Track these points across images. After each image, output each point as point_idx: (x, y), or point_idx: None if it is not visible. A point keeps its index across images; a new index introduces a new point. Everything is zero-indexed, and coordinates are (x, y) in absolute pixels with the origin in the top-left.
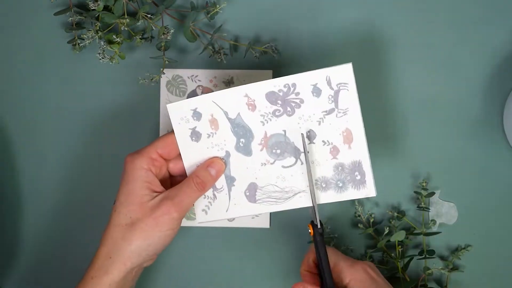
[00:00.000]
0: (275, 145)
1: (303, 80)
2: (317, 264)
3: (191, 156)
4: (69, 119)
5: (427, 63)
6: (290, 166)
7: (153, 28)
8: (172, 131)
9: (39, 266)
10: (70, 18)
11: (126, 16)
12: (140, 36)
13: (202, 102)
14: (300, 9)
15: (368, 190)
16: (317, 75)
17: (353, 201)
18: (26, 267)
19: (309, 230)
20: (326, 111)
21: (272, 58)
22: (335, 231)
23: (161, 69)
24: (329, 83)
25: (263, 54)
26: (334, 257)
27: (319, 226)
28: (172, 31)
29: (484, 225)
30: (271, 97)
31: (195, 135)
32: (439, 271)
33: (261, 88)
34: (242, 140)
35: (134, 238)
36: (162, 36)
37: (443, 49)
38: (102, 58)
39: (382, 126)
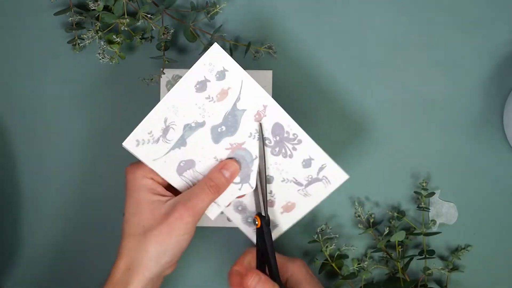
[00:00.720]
0: (238, 158)
1: (307, 145)
2: (261, 257)
3: (175, 98)
4: (69, 119)
5: (427, 63)
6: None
7: (153, 28)
8: None
9: (39, 266)
10: (70, 18)
11: (126, 16)
12: (140, 36)
13: (234, 72)
14: (300, 9)
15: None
16: (320, 154)
17: (353, 201)
18: (26, 267)
19: (256, 222)
20: (296, 181)
21: (272, 58)
22: (335, 231)
23: (161, 69)
24: (320, 169)
25: (263, 54)
26: (277, 255)
27: (266, 216)
28: (172, 31)
29: (484, 225)
30: (277, 129)
31: (201, 86)
32: (439, 271)
33: (279, 115)
34: (223, 127)
35: (150, 246)
36: (162, 36)
37: (443, 49)
38: (102, 58)
39: (382, 126)
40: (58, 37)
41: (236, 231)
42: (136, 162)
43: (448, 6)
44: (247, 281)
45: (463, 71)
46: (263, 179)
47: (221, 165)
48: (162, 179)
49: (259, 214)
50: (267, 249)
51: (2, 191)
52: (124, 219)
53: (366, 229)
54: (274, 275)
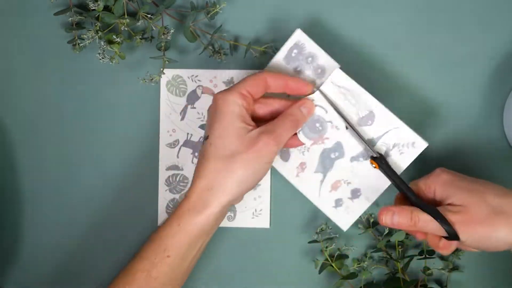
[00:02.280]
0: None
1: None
2: (403, 195)
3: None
4: (69, 119)
5: (427, 63)
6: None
7: (153, 28)
8: (261, 71)
9: (39, 266)
10: (70, 18)
11: (126, 16)
12: (140, 36)
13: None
14: (300, 9)
15: None
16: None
17: None
18: (26, 267)
19: (374, 165)
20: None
21: (272, 58)
22: (335, 231)
23: (161, 69)
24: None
25: (263, 54)
26: (412, 183)
27: (376, 155)
28: (172, 31)
29: None
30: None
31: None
32: (439, 271)
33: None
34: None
35: (238, 169)
36: (162, 36)
37: (443, 49)
38: (102, 58)
39: None
40: (58, 37)
41: (238, 230)
42: (226, 89)
43: (448, 6)
44: (381, 221)
45: (463, 71)
46: (351, 125)
47: (300, 103)
48: (248, 107)
49: (371, 157)
50: (396, 183)
51: (2, 191)
52: (209, 141)
53: (366, 229)
54: (414, 201)
